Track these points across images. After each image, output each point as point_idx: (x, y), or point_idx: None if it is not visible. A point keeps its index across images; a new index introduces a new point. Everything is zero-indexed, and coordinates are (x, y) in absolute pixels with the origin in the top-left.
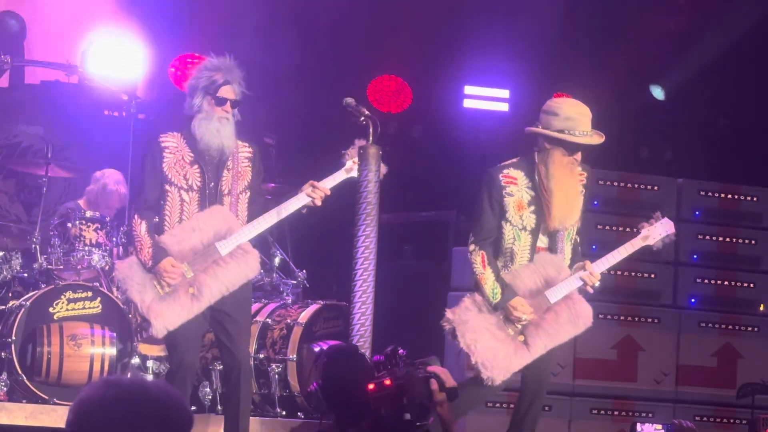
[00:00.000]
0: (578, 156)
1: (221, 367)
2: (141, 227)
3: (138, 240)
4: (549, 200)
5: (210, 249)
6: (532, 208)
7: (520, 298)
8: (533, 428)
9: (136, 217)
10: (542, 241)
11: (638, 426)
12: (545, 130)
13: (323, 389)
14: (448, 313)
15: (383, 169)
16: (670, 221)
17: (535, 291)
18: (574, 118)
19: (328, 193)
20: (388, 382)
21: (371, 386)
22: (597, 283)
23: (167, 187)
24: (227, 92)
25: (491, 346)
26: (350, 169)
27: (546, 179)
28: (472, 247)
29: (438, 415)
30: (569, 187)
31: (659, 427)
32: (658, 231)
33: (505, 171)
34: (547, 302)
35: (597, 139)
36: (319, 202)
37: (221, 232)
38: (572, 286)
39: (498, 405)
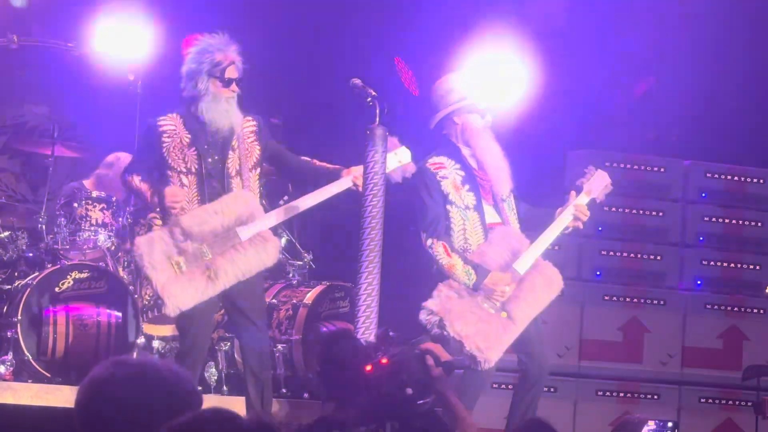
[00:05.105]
0: (489, 118)
1: (227, 347)
2: (135, 180)
3: (138, 193)
4: (484, 170)
5: (230, 233)
6: (467, 186)
7: (495, 273)
8: (533, 411)
9: (126, 176)
10: (493, 216)
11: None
12: (449, 108)
13: (322, 375)
14: (431, 305)
15: (412, 168)
16: (605, 172)
17: (504, 265)
18: (466, 84)
19: None
20: (384, 360)
21: (368, 367)
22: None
23: (168, 172)
24: (232, 72)
25: (481, 328)
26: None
27: (476, 152)
28: (429, 241)
29: (438, 392)
30: (495, 151)
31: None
32: (596, 183)
33: (431, 160)
34: (517, 274)
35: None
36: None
37: (243, 217)
38: (537, 253)
39: (503, 387)
